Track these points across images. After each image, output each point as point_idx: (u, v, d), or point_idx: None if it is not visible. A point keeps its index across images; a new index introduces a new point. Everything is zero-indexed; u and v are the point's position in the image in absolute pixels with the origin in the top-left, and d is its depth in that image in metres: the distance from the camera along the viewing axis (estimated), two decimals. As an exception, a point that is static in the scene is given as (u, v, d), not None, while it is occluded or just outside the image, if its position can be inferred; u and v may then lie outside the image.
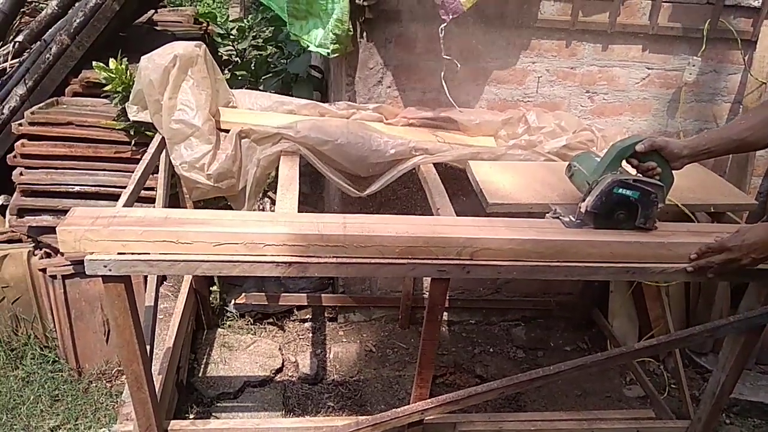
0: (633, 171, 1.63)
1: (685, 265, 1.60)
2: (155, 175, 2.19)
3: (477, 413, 2.15)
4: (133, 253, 1.42)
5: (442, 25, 2.11)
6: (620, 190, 1.56)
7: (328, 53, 2.20)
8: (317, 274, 1.56)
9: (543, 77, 2.45)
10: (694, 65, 2.47)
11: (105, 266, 1.40)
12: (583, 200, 1.60)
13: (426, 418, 1.87)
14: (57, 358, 2.64)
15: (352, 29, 2.15)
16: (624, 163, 1.63)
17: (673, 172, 1.62)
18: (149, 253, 1.42)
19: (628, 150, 1.58)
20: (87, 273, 1.40)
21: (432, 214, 1.89)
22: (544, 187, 1.98)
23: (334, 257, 1.51)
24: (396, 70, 2.37)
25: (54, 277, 2.45)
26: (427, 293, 2.85)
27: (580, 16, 2.34)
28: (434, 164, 2.19)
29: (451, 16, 2.10)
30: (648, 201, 1.58)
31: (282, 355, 2.67)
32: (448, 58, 2.21)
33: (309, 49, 2.27)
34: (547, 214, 1.72)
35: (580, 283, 2.88)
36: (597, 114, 2.55)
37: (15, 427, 2.33)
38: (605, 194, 1.56)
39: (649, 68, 2.51)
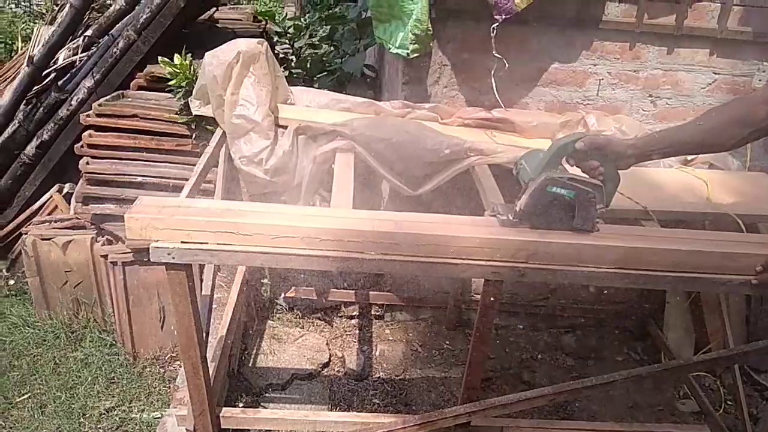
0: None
1: (750, 277, 1.54)
2: (214, 168, 2.25)
3: (524, 419, 2.12)
4: (195, 243, 1.45)
5: (494, 25, 2.11)
6: (554, 189, 1.48)
7: (408, 53, 2.19)
8: (370, 270, 1.57)
9: (604, 80, 2.40)
10: (764, 71, 2.38)
11: (169, 254, 1.45)
12: (519, 198, 1.54)
13: (473, 420, 1.85)
14: (114, 342, 2.74)
15: (431, 29, 2.14)
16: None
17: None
18: (211, 243, 1.46)
19: (568, 148, 1.50)
20: (152, 260, 1.44)
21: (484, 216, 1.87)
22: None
23: (388, 254, 1.51)
24: (453, 70, 2.36)
25: (115, 263, 2.54)
26: (475, 295, 2.83)
27: (645, 18, 2.28)
28: (489, 165, 2.17)
29: (504, 16, 2.09)
30: (585, 201, 1.49)
31: (329, 350, 2.69)
32: (498, 56, 2.20)
33: (390, 51, 2.28)
34: (485, 212, 1.66)
35: (635, 292, 2.81)
36: (660, 119, 2.49)
37: (73, 406, 2.43)
38: (538, 193, 1.49)
39: (716, 73, 2.43)
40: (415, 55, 2.22)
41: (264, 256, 1.49)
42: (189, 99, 2.35)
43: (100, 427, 2.35)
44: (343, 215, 1.59)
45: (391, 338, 2.85)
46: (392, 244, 1.50)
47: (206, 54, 2.14)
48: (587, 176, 1.52)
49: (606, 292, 2.81)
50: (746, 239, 1.66)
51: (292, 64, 3.76)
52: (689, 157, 2.33)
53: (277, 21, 3.90)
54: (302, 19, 4.15)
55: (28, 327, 2.81)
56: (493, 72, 2.27)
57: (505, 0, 2.02)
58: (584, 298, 2.88)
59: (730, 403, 2.53)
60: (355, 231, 1.50)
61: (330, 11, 3.98)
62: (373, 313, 2.96)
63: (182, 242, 1.45)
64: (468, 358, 1.76)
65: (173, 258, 1.45)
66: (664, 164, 2.27)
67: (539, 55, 2.35)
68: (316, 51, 3.97)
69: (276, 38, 4.11)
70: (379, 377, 2.61)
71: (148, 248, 1.45)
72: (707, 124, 1.48)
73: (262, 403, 2.38)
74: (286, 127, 2.19)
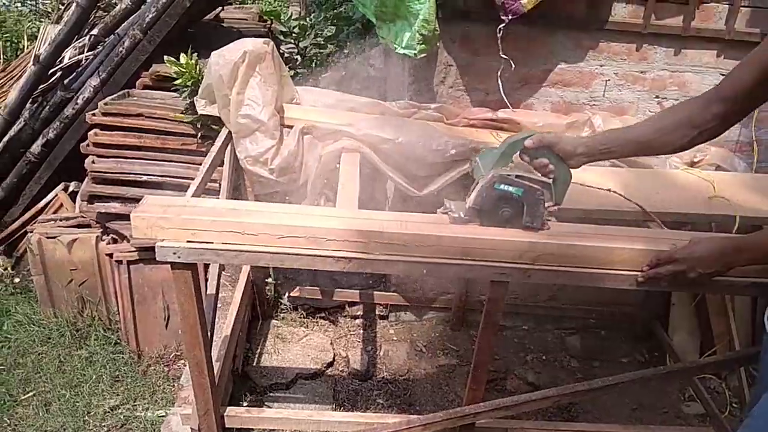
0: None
1: (638, 274, 1.51)
2: (219, 167, 2.25)
3: (528, 420, 2.12)
4: (201, 242, 1.46)
5: (501, 26, 2.11)
6: (501, 186, 1.48)
7: (415, 54, 2.19)
8: (376, 270, 1.56)
9: (611, 80, 2.40)
10: (771, 72, 2.36)
11: (174, 253, 1.45)
12: (469, 195, 1.54)
13: (477, 421, 1.85)
14: (119, 340, 2.75)
15: (438, 29, 2.14)
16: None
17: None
18: (216, 243, 1.46)
19: (518, 145, 1.50)
20: (157, 259, 1.45)
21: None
22: (609, 193, 1.94)
23: (393, 255, 1.51)
24: (459, 71, 2.36)
25: (120, 262, 2.54)
26: (480, 296, 2.83)
27: (652, 19, 2.27)
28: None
29: (510, 17, 2.09)
30: (534, 199, 1.49)
31: (333, 349, 2.69)
32: (504, 57, 2.20)
33: (396, 51, 2.28)
34: (438, 209, 1.65)
35: (641, 293, 2.80)
36: (666, 120, 2.47)
37: (77, 404, 2.44)
38: (486, 190, 1.49)
39: (723, 74, 2.41)
40: (422, 55, 2.22)
41: (269, 255, 1.49)
42: (195, 98, 2.35)
43: (104, 425, 2.36)
44: (348, 215, 1.59)
45: (395, 338, 2.85)
46: (398, 245, 1.50)
47: (212, 53, 2.15)
48: (538, 174, 1.51)
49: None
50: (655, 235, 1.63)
51: (297, 63, 3.76)
52: (696, 159, 2.32)
53: (282, 21, 3.90)
54: (307, 19, 4.14)
55: (33, 325, 2.82)
56: (499, 72, 2.27)
57: (512, 0, 2.02)
58: (589, 299, 2.87)
59: (735, 405, 2.53)
60: (361, 231, 1.50)
61: (335, 11, 3.97)
62: (377, 313, 2.95)
63: (188, 241, 1.46)
64: (473, 358, 1.76)
65: (179, 257, 1.45)
66: (670, 165, 2.26)
67: (545, 55, 2.35)
68: (321, 51, 3.96)
69: (281, 38, 4.11)
70: (383, 377, 2.61)
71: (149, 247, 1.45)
72: (657, 124, 1.47)
73: (266, 403, 2.38)
74: (291, 127, 2.19)
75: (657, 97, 2.44)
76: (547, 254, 1.51)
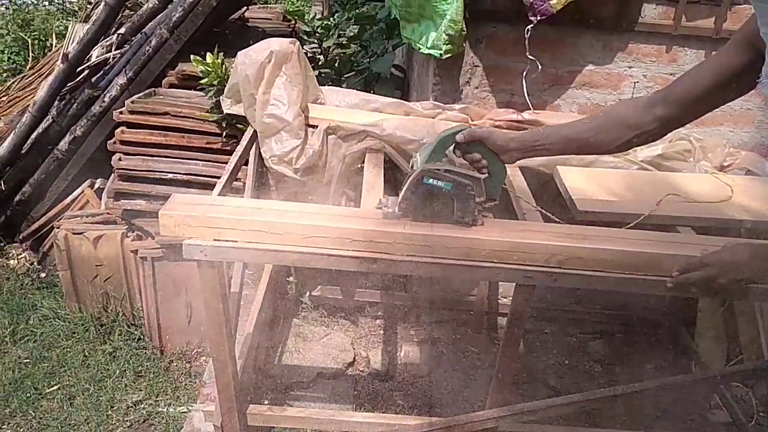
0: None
1: (666, 278, 1.47)
2: (244, 166, 2.26)
3: (550, 425, 2.10)
4: (227, 241, 1.46)
5: (529, 26, 2.09)
6: (430, 181, 1.46)
7: (441, 54, 2.18)
8: (401, 272, 1.56)
9: (639, 83, 2.36)
10: (805, 75, 2.31)
11: (201, 251, 1.46)
12: (401, 190, 1.52)
13: (500, 425, 1.84)
14: (142, 336, 2.77)
15: (465, 29, 2.13)
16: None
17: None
18: (243, 241, 1.47)
19: (449, 140, 1.48)
20: (184, 257, 1.46)
21: (516, 219, 1.85)
22: (637, 196, 1.91)
23: (418, 256, 1.51)
24: (485, 71, 2.34)
25: (144, 258, 2.56)
26: (502, 299, 2.81)
27: (683, 20, 2.23)
28: (520, 168, 2.15)
29: (539, 18, 2.08)
30: (464, 194, 1.47)
31: (354, 349, 2.69)
32: (532, 58, 2.18)
33: (421, 51, 2.27)
34: (374, 205, 1.64)
35: (666, 298, 2.76)
36: (696, 123, 2.41)
37: (101, 398, 2.47)
38: (415, 184, 1.48)
39: (754, 77, 2.36)
40: (448, 55, 2.21)
41: (294, 255, 1.50)
42: (220, 97, 2.37)
43: (127, 420, 2.38)
44: (373, 216, 1.58)
45: (415, 339, 2.83)
46: (423, 246, 1.50)
47: (239, 53, 2.15)
48: (470, 168, 1.49)
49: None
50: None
51: (320, 63, 3.77)
52: (725, 163, 2.28)
53: (306, 20, 3.92)
54: (331, 19, 4.15)
55: (59, 319, 2.86)
56: (525, 74, 2.25)
57: (541, 1, 2.00)
58: (614, 304, 2.84)
59: (762, 414, 2.47)
60: (386, 232, 1.49)
61: (358, 11, 3.98)
62: (398, 314, 2.95)
63: (214, 240, 1.46)
64: (497, 362, 1.75)
65: (206, 255, 1.46)
66: (699, 169, 2.22)
67: (573, 56, 2.32)
68: (344, 51, 3.97)
69: (305, 38, 4.12)
70: (403, 378, 2.60)
71: (181, 245, 1.46)
72: (594, 123, 1.45)
73: (287, 401, 2.39)
74: (316, 127, 2.19)
75: (686, 99, 2.40)
76: (575, 258, 1.50)
